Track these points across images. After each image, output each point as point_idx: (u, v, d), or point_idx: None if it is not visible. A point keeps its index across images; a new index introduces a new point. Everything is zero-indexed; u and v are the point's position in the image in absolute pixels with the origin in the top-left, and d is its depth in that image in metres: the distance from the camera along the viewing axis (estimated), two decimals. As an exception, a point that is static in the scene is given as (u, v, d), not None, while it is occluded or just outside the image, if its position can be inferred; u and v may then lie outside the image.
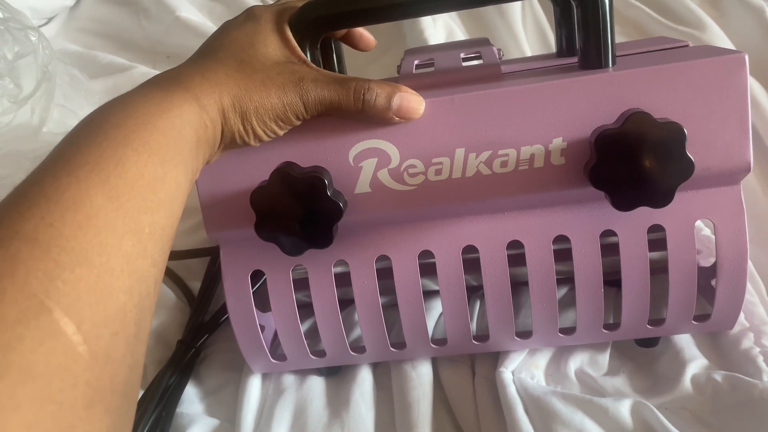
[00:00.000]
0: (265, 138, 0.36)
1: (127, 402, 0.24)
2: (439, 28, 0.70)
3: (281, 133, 0.36)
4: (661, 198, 0.35)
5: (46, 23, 0.83)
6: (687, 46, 0.43)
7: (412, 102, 0.36)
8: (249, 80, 0.34)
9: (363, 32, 0.44)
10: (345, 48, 0.46)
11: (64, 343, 0.20)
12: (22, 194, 0.24)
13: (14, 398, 0.18)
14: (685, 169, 0.34)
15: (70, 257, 0.22)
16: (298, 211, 0.36)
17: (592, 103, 0.36)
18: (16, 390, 0.18)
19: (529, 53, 0.68)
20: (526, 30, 0.70)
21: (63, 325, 0.20)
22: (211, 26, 0.78)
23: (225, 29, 0.37)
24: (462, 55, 0.46)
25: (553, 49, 0.70)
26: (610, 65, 0.37)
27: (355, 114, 0.36)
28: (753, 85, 0.58)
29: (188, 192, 0.31)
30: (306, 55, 0.38)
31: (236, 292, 0.42)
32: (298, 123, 0.36)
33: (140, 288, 0.24)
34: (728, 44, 0.64)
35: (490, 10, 0.72)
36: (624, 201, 0.35)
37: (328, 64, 0.45)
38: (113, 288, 0.23)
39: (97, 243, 0.23)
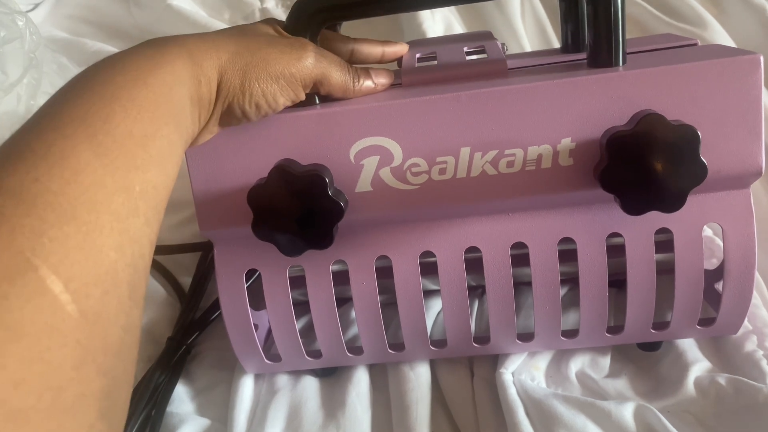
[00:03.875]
0: (263, 103, 0.34)
1: (123, 364, 0.23)
2: (438, 21, 0.69)
3: (281, 99, 0.35)
4: (672, 202, 0.34)
5: (32, 9, 0.81)
6: (696, 44, 0.42)
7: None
8: (250, 40, 0.34)
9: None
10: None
11: (52, 301, 0.20)
12: (6, 150, 0.23)
13: (0, 357, 0.18)
14: (698, 173, 0.33)
15: (58, 214, 0.21)
16: (297, 211, 0.35)
17: (603, 103, 0.35)
18: (1, 348, 0.18)
19: (528, 48, 0.67)
20: (526, 25, 0.69)
21: (50, 283, 0.20)
22: (203, 15, 0.76)
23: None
24: (465, 49, 0.45)
25: (552, 44, 0.70)
26: (621, 64, 0.36)
27: (348, 94, 0.38)
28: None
29: (183, 152, 0.30)
30: None
31: (230, 292, 0.41)
32: (299, 86, 0.35)
33: (133, 247, 0.24)
34: (730, 43, 0.63)
35: (489, 4, 0.70)
36: (634, 205, 0.34)
37: None
38: (103, 246, 0.22)
39: (85, 200, 0.22)
